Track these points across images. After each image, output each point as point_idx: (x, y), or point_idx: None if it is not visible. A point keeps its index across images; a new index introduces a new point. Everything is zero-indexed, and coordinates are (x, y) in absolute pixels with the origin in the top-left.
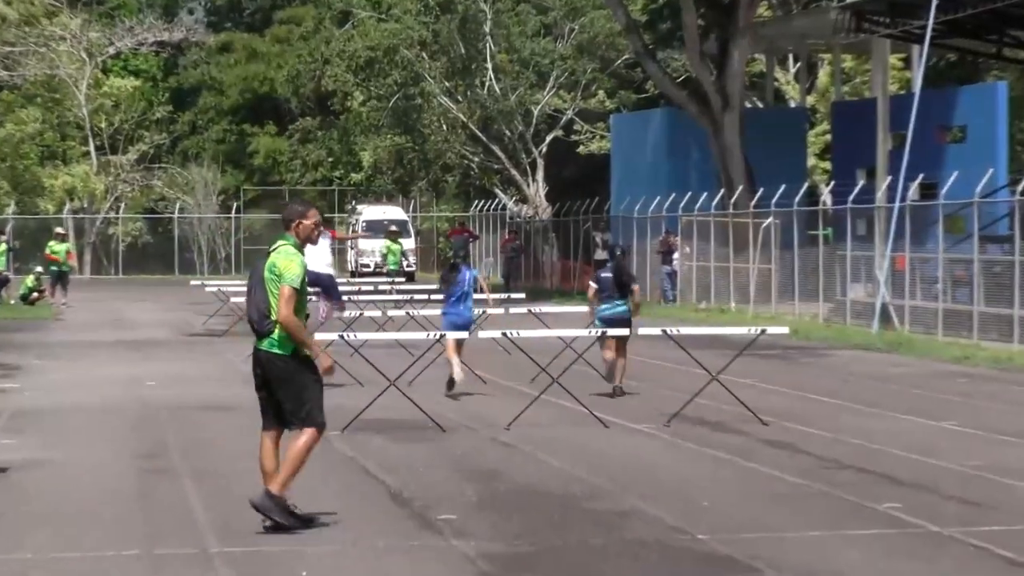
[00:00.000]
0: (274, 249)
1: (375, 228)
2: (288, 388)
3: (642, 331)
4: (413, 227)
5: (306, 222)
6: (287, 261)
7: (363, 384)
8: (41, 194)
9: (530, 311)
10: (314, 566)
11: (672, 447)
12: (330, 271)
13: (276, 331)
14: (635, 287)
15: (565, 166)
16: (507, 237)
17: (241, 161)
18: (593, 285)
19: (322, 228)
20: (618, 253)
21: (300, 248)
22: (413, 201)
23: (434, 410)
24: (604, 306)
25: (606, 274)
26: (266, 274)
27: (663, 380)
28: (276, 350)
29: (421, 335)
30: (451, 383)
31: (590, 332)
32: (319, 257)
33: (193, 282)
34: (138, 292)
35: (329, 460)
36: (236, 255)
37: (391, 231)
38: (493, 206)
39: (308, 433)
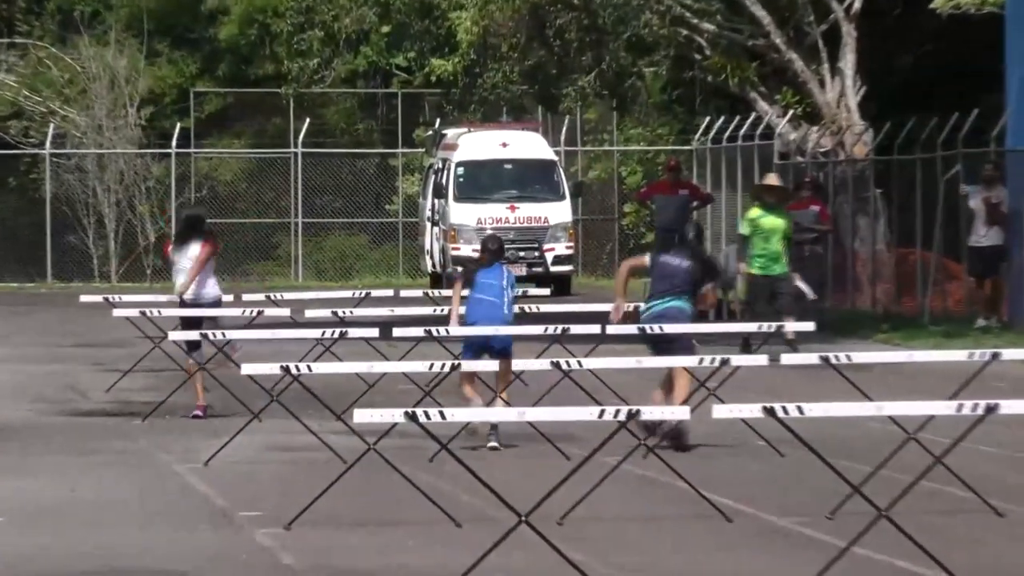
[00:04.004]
0: None
1: (478, 179)
2: None
3: None
4: (567, 176)
5: None
6: None
7: (460, 524)
8: None
9: (827, 361)
10: None
11: None
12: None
13: None
14: (709, 287)
15: (900, 45)
16: (802, 198)
17: (188, 33)
18: (642, 261)
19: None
20: (691, 236)
21: None
22: (566, 121)
23: None
24: (656, 301)
25: (677, 259)
26: None
27: None
28: None
29: (595, 413)
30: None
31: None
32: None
33: (87, 297)
34: None
35: None
36: None
37: (767, 185)
38: (744, 130)
39: None
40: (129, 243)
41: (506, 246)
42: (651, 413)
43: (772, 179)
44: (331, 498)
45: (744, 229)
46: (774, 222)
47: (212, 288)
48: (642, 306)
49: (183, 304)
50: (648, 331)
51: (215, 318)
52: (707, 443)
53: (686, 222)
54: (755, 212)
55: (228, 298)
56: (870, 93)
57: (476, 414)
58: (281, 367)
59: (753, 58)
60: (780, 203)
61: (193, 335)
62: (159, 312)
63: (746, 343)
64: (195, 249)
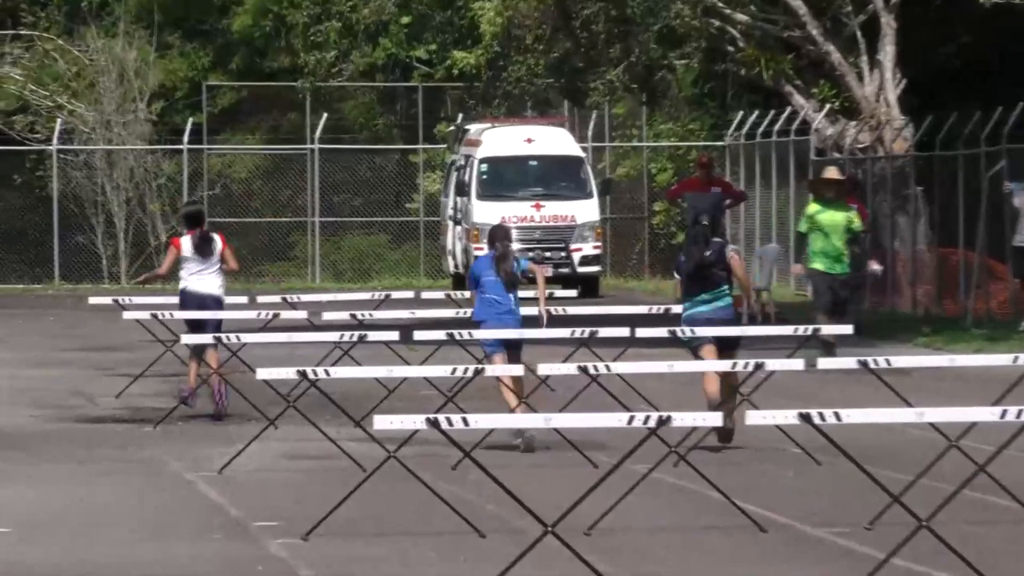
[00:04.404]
0: None
1: (502, 176)
2: None
3: None
4: (595, 173)
5: None
6: None
7: (484, 535)
8: None
9: (866, 365)
10: None
11: None
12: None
13: None
14: (733, 256)
15: (941, 36)
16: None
17: (200, 24)
18: (677, 276)
19: (205, 231)
20: (704, 222)
21: None
22: (594, 116)
23: None
24: (692, 302)
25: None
26: None
27: None
28: None
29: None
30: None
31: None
32: (208, 277)
33: (95, 299)
34: None
35: None
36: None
37: (826, 179)
38: (778, 126)
39: None
40: (139, 243)
41: (532, 246)
42: (682, 420)
43: (832, 172)
44: (350, 507)
45: (802, 226)
46: (833, 217)
47: (218, 288)
48: (683, 308)
49: (185, 296)
50: (680, 334)
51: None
52: (741, 450)
53: (719, 221)
54: (813, 207)
55: (243, 300)
56: (910, 86)
57: (501, 421)
58: (298, 372)
59: (788, 50)
60: (840, 197)
61: (205, 338)
62: (171, 315)
63: (828, 345)
64: (217, 249)
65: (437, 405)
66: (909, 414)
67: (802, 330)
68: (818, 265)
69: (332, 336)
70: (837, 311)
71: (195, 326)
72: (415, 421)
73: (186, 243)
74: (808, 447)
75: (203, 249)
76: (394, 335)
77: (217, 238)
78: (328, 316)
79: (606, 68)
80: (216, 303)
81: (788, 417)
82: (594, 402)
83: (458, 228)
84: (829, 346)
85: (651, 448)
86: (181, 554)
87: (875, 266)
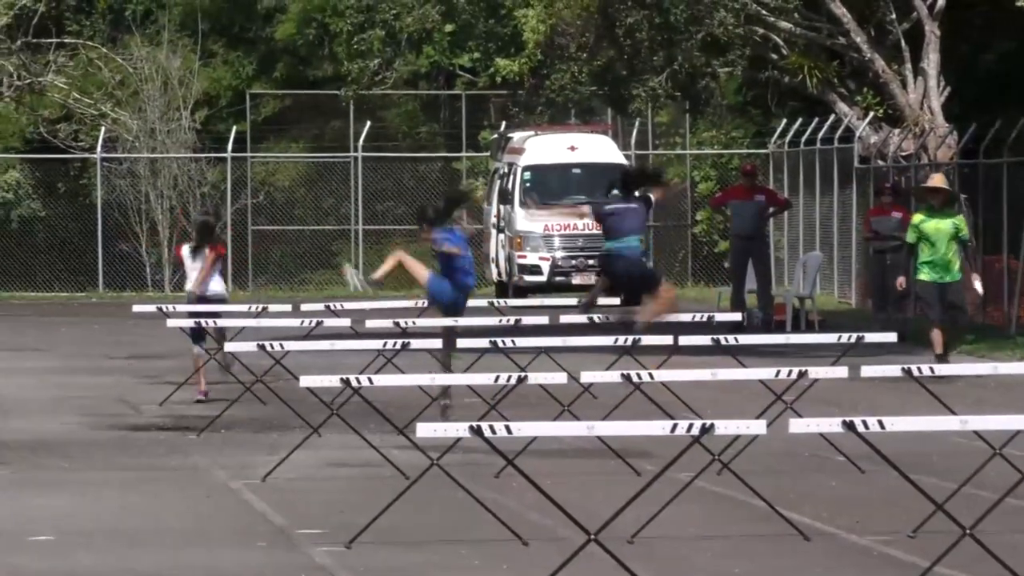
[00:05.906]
0: None
1: (545, 184)
2: None
3: None
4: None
5: None
6: None
7: (527, 542)
8: None
9: (909, 373)
10: None
11: None
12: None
13: None
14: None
15: (985, 43)
16: (883, 204)
17: (244, 32)
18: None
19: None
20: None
21: None
22: (637, 124)
23: None
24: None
25: (621, 204)
26: None
27: None
28: None
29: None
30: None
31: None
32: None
33: (139, 307)
34: (13, 329)
35: None
36: (238, 246)
37: (930, 187)
38: (822, 133)
39: None
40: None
41: (575, 254)
42: (726, 428)
43: (937, 180)
44: (393, 515)
45: (910, 236)
46: (939, 226)
47: (218, 285)
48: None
49: (191, 301)
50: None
51: (219, 313)
52: (784, 459)
53: (763, 229)
54: (919, 217)
55: (286, 308)
56: (954, 93)
57: (545, 429)
58: (341, 379)
59: (832, 58)
60: (945, 205)
61: (207, 332)
62: (214, 323)
63: (940, 356)
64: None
65: (480, 413)
66: (953, 422)
67: (845, 338)
68: (925, 276)
69: (375, 344)
70: (948, 320)
71: (197, 324)
72: (458, 429)
73: (185, 250)
74: (852, 455)
75: (195, 254)
76: (437, 343)
77: (206, 250)
78: (371, 324)
79: (649, 76)
80: (219, 301)
81: (832, 425)
82: (637, 410)
83: (501, 236)
84: (942, 356)
85: (694, 456)
86: (224, 562)
87: (978, 284)
